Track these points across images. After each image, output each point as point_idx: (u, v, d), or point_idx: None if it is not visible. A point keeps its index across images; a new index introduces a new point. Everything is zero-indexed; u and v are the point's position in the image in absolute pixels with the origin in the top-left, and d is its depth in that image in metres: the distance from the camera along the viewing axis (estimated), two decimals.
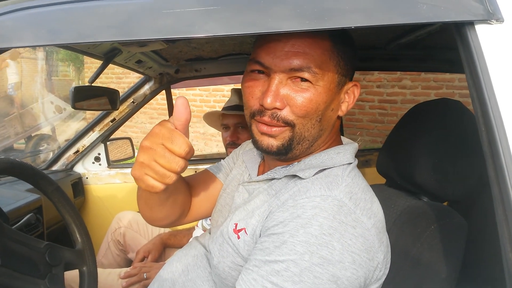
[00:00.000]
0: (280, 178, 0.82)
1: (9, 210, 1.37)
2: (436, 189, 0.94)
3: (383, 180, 1.16)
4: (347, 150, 0.83)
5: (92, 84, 1.46)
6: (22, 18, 0.66)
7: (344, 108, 0.83)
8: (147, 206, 0.89)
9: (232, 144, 1.69)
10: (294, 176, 0.79)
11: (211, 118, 1.87)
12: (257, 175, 0.92)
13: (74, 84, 9.87)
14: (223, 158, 1.15)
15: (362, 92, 5.57)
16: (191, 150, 0.67)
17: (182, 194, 0.92)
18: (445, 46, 1.59)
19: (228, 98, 1.83)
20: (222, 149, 1.80)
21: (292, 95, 0.75)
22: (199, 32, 0.62)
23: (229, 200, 0.94)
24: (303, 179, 0.77)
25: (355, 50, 0.83)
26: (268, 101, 0.74)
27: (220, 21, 0.63)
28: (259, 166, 0.95)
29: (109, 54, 1.31)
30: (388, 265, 0.77)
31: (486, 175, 0.63)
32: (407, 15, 0.64)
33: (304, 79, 0.75)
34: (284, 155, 0.81)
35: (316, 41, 0.75)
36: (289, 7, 0.63)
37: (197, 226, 1.78)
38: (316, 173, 0.77)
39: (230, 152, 1.65)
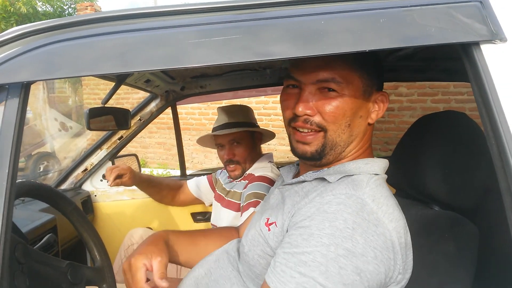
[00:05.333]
0: (311, 181, 0.89)
1: (27, 230, 1.39)
2: (446, 198, 0.97)
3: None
4: (376, 162, 0.89)
5: (105, 105, 1.50)
6: (42, 54, 0.71)
7: (374, 116, 0.91)
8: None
9: (230, 162, 1.71)
10: (323, 179, 0.85)
11: (204, 140, 1.89)
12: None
13: (70, 101, 9.88)
14: None
15: None
16: None
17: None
18: (442, 57, 1.64)
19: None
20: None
21: (321, 103, 0.85)
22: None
23: (266, 202, 1.02)
24: (330, 182, 0.83)
25: (378, 62, 0.91)
26: (300, 108, 0.85)
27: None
28: (293, 174, 1.02)
29: (122, 75, 1.35)
30: (408, 272, 0.81)
31: (491, 181, 0.67)
32: (417, 38, 0.69)
33: (330, 89, 0.84)
34: (318, 160, 0.89)
35: (339, 56, 0.82)
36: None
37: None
38: (341, 178, 0.83)
39: (229, 169, 1.71)
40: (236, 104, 1.87)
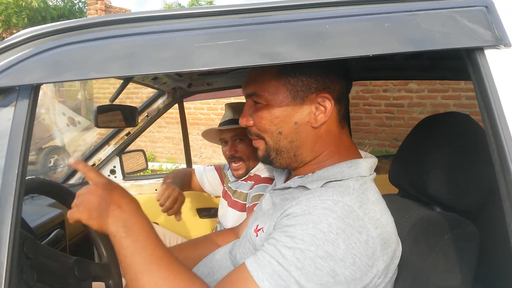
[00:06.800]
0: (295, 187, 0.91)
1: (35, 225, 1.42)
2: (448, 200, 0.98)
3: (391, 187, 1.20)
4: (359, 164, 0.88)
5: (113, 103, 1.52)
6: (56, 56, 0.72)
7: (319, 119, 0.89)
8: None
9: (232, 158, 1.72)
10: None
11: (209, 135, 1.90)
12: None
13: (80, 95, 9.96)
14: None
15: (369, 97, 5.62)
16: None
17: None
18: (450, 56, 1.64)
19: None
20: None
21: (254, 115, 0.93)
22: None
23: (259, 206, 1.04)
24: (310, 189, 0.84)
25: (325, 63, 0.84)
26: (240, 121, 0.96)
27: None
28: (285, 178, 1.05)
29: None
30: (389, 276, 0.82)
31: (493, 184, 0.67)
32: (421, 43, 0.69)
33: (256, 102, 0.92)
34: (270, 164, 0.96)
35: (263, 68, 0.88)
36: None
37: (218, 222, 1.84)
38: (323, 184, 0.84)
39: (233, 168, 1.71)
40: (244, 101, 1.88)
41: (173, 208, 1.63)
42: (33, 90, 0.72)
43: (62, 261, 1.11)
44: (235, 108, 1.76)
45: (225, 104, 1.83)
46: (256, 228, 0.89)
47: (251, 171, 1.72)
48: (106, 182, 0.84)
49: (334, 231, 0.72)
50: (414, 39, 0.70)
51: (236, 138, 1.71)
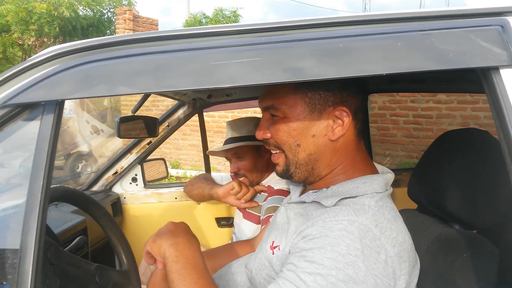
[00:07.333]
0: (310, 202, 0.90)
1: (59, 232, 1.47)
2: (467, 217, 0.97)
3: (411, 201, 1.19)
4: (375, 180, 0.87)
5: (135, 114, 1.57)
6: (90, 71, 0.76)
7: (337, 132, 0.89)
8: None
9: (236, 175, 1.78)
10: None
11: (214, 154, 1.95)
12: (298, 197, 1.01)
13: (106, 103, 10.21)
14: None
15: (396, 107, 5.55)
16: None
17: None
18: (471, 68, 1.61)
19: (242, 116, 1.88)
20: None
21: (271, 127, 0.93)
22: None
23: (274, 219, 1.04)
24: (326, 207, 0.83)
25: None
26: (257, 134, 0.96)
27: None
28: (300, 191, 1.04)
29: None
30: None
31: None
32: (435, 62, 0.70)
33: (273, 115, 0.92)
34: (291, 179, 0.95)
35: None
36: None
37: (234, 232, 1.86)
38: (338, 201, 0.83)
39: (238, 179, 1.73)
40: (245, 117, 1.91)
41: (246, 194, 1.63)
42: (58, 106, 0.76)
43: (84, 268, 1.15)
44: (233, 126, 1.80)
45: (226, 123, 1.87)
46: (272, 245, 0.89)
47: (263, 182, 1.74)
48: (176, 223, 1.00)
49: (353, 253, 0.72)
50: (428, 59, 0.70)
51: (236, 156, 1.76)
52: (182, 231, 0.96)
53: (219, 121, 7.08)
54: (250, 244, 1.33)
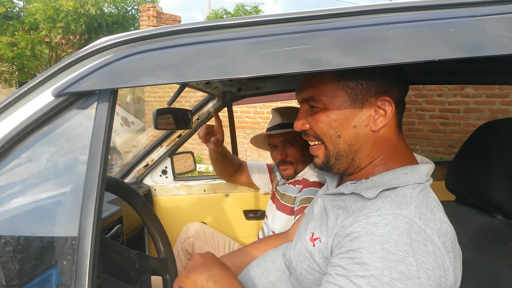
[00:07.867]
0: (349, 194, 0.89)
1: None
2: (510, 207, 0.95)
3: (445, 193, 1.17)
4: (416, 170, 0.85)
5: (170, 106, 1.60)
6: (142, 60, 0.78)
7: (379, 122, 0.88)
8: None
9: (282, 162, 1.75)
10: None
11: (257, 140, 1.93)
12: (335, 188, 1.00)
13: (129, 98, 10.36)
14: None
15: (422, 101, 5.46)
16: None
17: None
18: (506, 60, 1.57)
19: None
20: None
21: (310, 119, 0.93)
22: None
23: (311, 210, 1.03)
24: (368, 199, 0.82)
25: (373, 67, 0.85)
26: (295, 125, 0.95)
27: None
28: (337, 182, 1.03)
29: None
30: (458, 283, 0.79)
31: None
32: (488, 48, 0.69)
33: (313, 106, 0.91)
34: (329, 170, 0.94)
35: (321, 72, 0.85)
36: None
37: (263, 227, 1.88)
38: (380, 193, 0.81)
39: (281, 168, 1.74)
40: (291, 106, 1.91)
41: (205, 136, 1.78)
42: (112, 94, 0.78)
43: (125, 255, 1.18)
44: (283, 113, 1.78)
45: (272, 109, 1.85)
46: (312, 236, 0.89)
47: (298, 175, 1.74)
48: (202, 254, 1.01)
49: (402, 249, 0.71)
50: (481, 45, 0.69)
51: (286, 142, 1.74)
52: (213, 262, 0.96)
53: (241, 116, 7.08)
54: (281, 237, 1.34)
